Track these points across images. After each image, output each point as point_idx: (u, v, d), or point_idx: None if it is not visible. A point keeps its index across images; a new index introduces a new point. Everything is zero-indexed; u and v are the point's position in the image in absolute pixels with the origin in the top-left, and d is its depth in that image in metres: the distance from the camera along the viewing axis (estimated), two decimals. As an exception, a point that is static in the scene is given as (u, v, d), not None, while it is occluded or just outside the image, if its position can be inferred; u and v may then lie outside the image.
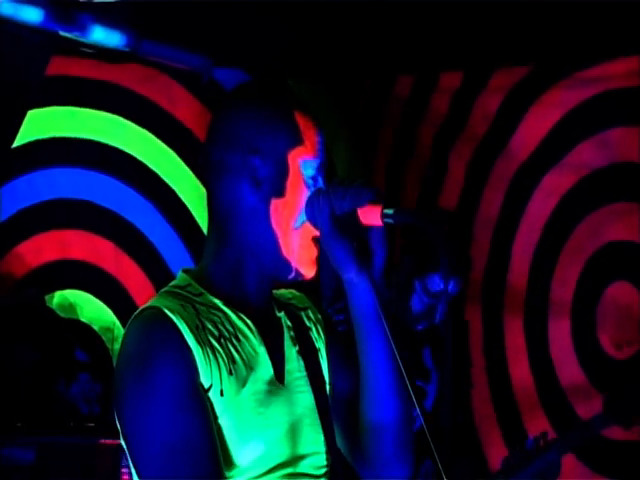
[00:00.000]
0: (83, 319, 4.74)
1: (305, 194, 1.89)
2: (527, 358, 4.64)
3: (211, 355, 1.78)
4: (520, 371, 4.67)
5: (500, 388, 4.71)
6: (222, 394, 1.78)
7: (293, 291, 2.10)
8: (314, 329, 2.04)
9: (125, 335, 1.80)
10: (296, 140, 1.88)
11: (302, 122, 1.90)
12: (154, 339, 1.75)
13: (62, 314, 4.65)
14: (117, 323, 4.80)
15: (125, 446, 1.78)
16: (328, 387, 2.02)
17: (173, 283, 1.90)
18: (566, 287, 4.53)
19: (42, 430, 4.03)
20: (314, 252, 1.91)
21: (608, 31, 4.21)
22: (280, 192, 1.87)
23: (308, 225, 1.89)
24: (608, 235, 4.40)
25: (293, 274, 1.91)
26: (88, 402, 4.24)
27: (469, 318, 4.77)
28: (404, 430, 1.94)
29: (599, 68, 4.42)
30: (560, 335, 4.54)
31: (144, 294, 4.75)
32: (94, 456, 4.04)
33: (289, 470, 1.85)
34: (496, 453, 4.35)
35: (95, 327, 4.64)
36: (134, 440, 1.75)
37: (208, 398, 1.77)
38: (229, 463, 1.78)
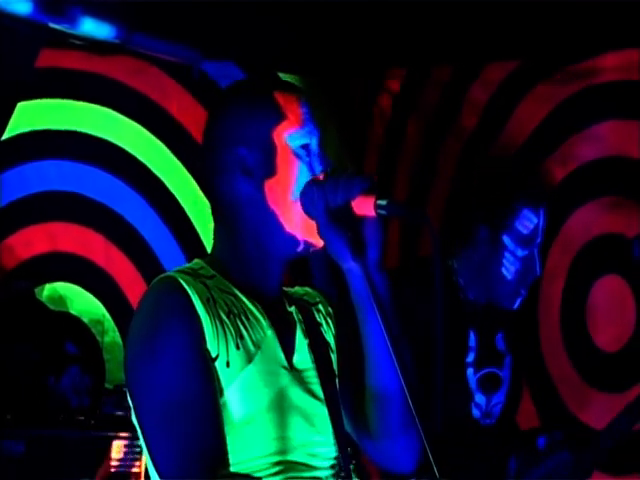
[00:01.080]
0: (73, 312, 4.72)
1: (296, 165, 1.94)
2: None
3: (219, 327, 1.84)
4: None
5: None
6: (228, 365, 1.83)
7: (306, 288, 2.15)
8: (324, 323, 2.08)
9: (141, 299, 1.87)
10: (278, 117, 1.94)
11: (282, 99, 1.96)
12: (164, 303, 1.82)
13: (52, 307, 4.64)
14: (107, 316, 4.79)
15: (131, 404, 1.84)
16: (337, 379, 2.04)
17: (187, 265, 1.97)
18: (556, 281, 4.54)
19: (32, 423, 4.02)
20: None
21: (598, 25, 4.22)
22: (271, 172, 1.93)
23: None
24: (598, 228, 4.41)
25: (302, 246, 1.96)
26: (78, 395, 4.23)
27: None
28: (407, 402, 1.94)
29: (589, 62, 4.43)
30: (550, 329, 4.55)
31: (134, 287, 4.75)
32: (84, 449, 4.04)
33: (292, 457, 1.87)
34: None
35: (85, 320, 4.63)
36: (138, 397, 1.81)
37: (214, 368, 1.81)
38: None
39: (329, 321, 2.09)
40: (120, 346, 4.61)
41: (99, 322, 4.73)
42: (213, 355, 1.81)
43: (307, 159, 1.95)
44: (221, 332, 1.83)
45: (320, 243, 1.94)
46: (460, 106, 4.84)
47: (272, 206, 1.92)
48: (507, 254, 3.34)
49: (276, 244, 1.95)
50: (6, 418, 4.00)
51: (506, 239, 3.33)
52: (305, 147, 1.94)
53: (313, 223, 1.91)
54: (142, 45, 4.50)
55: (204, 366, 1.79)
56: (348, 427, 2.04)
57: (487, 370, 3.44)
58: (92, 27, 4.11)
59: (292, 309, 2.02)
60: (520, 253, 3.35)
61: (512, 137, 4.68)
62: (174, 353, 1.77)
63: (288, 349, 1.95)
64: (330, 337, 2.07)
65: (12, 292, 4.50)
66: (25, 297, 4.51)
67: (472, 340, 3.40)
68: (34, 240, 4.81)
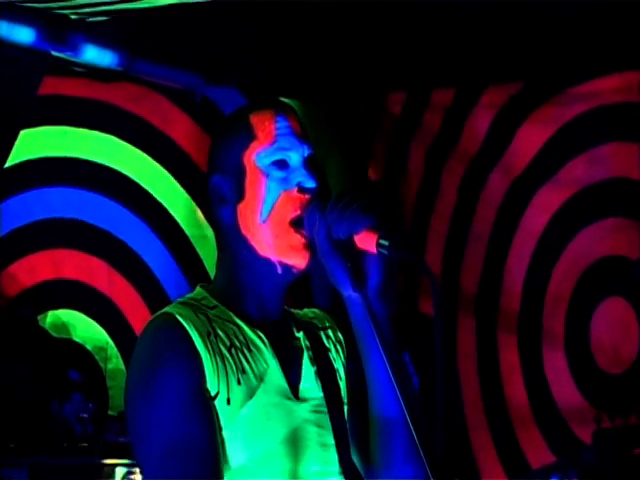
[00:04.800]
0: (76, 339, 4.72)
1: (264, 185, 1.91)
2: (521, 376, 4.63)
3: (220, 363, 1.81)
4: (515, 390, 4.66)
5: (495, 407, 4.70)
6: (228, 402, 1.80)
7: (315, 310, 2.11)
8: (333, 349, 2.05)
9: (138, 339, 1.84)
10: (248, 139, 1.92)
11: (255, 119, 1.94)
12: (163, 342, 1.80)
13: (55, 334, 4.64)
14: (110, 342, 4.78)
15: (132, 445, 1.82)
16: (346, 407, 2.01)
17: (189, 295, 1.94)
18: (560, 303, 4.53)
19: (35, 451, 4.01)
20: (294, 238, 1.91)
21: (599, 47, 4.23)
22: (240, 197, 1.92)
23: (277, 213, 1.90)
24: (601, 250, 4.41)
25: (279, 269, 1.92)
26: (81, 422, 4.22)
27: (461, 334, 4.77)
28: (410, 431, 1.91)
29: (591, 84, 4.44)
30: (554, 352, 4.54)
31: (137, 313, 4.74)
32: (88, 476, 4.02)
33: None
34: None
35: (88, 347, 4.62)
36: (138, 439, 1.79)
37: (214, 406, 1.79)
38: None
39: (338, 348, 2.05)
40: (123, 373, 4.59)
41: (102, 349, 4.72)
42: (213, 393, 1.79)
43: (280, 175, 1.91)
44: (221, 368, 1.81)
45: (297, 262, 1.91)
46: (462, 129, 4.85)
47: (243, 231, 1.91)
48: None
49: (256, 269, 1.92)
50: (9, 446, 3.99)
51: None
52: (278, 163, 1.91)
53: (285, 241, 1.90)
54: (144, 72, 4.51)
55: (204, 406, 1.77)
56: (354, 457, 2.01)
57: None
58: (94, 54, 4.13)
59: (300, 334, 1.98)
60: None
61: (514, 160, 4.68)
62: (173, 396, 1.76)
63: (294, 378, 1.92)
64: (339, 364, 2.03)
65: (15, 319, 4.50)
66: (28, 324, 4.50)
67: None
68: (37, 267, 4.81)
